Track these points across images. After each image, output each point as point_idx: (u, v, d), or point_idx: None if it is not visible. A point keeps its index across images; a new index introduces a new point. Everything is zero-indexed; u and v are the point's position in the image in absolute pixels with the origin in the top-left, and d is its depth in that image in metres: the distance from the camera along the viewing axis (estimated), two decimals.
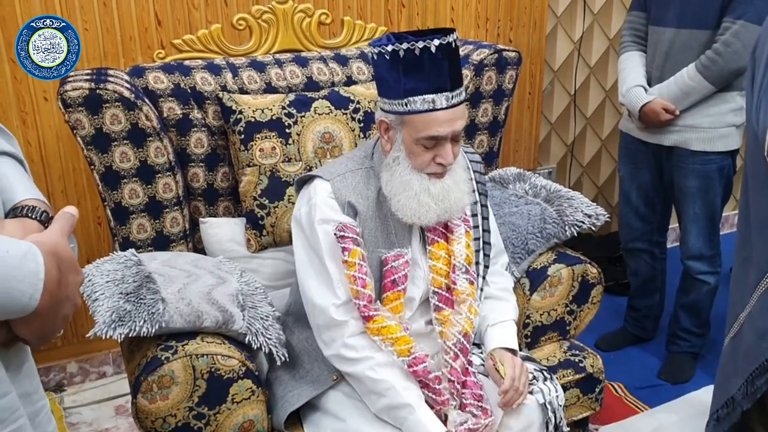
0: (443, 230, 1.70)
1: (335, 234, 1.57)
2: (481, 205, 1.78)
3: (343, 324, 1.59)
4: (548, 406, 1.65)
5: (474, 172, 1.78)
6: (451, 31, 1.52)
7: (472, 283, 1.69)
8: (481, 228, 1.77)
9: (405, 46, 1.48)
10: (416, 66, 1.49)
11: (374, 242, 1.64)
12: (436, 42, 1.47)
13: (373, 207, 1.66)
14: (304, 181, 1.73)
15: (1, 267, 0.82)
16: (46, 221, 1.01)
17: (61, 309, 0.90)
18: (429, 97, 1.51)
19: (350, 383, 1.64)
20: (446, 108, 1.53)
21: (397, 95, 1.54)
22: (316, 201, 1.64)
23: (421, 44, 1.47)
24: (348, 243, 1.57)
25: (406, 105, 1.53)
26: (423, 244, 1.71)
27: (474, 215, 1.76)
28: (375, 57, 1.56)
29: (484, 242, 1.77)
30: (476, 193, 1.77)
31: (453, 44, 1.51)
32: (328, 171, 1.69)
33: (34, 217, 1.01)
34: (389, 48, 1.50)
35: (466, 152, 1.80)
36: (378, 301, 1.60)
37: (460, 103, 1.56)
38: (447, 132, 1.54)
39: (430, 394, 1.58)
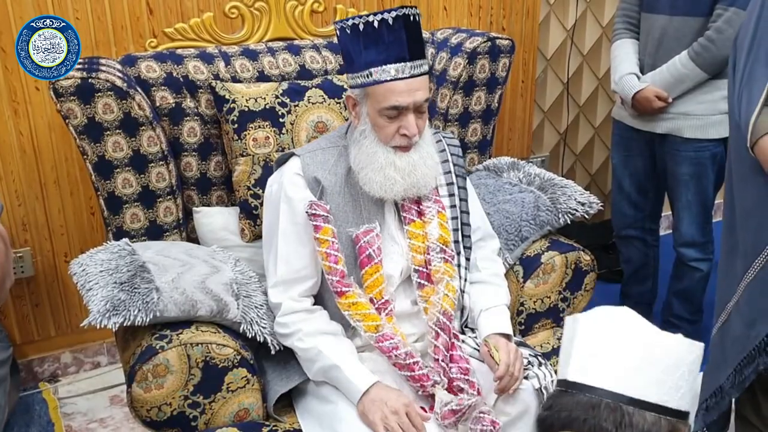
0: (417, 209, 1.73)
1: (307, 212, 1.61)
2: (459, 187, 1.83)
3: (277, 306, 1.66)
4: (544, 391, 1.66)
5: (452, 155, 1.84)
6: (413, 7, 1.59)
7: (447, 261, 1.72)
8: (458, 209, 1.81)
9: (364, 19, 1.55)
10: (375, 38, 1.55)
11: (344, 219, 1.68)
12: (393, 14, 1.54)
13: (341, 183, 1.69)
14: (283, 161, 1.76)
15: None
16: None
17: (7, 282, 0.94)
18: (388, 67, 1.56)
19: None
20: (406, 78, 1.57)
21: (359, 68, 1.59)
22: (283, 179, 1.69)
23: (379, 17, 1.54)
24: (319, 221, 1.61)
25: (367, 77, 1.58)
26: (399, 222, 1.74)
27: (451, 195, 1.81)
28: (339, 33, 1.62)
29: (462, 223, 1.81)
30: (453, 174, 1.82)
31: (412, 17, 1.57)
32: (303, 148, 1.76)
33: None
34: (349, 22, 1.57)
35: (444, 137, 1.86)
36: (350, 278, 1.64)
37: (421, 74, 1.60)
38: (408, 102, 1.58)
39: (404, 373, 1.60)
